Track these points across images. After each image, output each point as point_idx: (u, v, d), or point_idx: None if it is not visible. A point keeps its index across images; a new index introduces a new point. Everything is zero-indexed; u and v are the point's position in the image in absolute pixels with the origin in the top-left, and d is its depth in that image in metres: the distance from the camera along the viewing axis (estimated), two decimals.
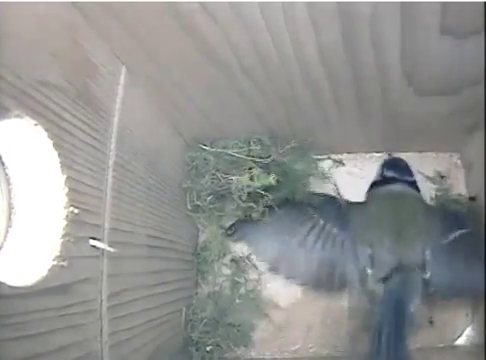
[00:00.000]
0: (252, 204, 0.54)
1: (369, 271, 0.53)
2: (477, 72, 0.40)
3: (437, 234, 0.54)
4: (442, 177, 0.62)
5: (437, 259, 0.53)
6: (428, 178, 0.62)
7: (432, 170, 0.62)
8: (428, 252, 0.53)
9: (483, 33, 0.35)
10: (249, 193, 0.53)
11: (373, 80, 0.43)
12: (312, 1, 0.32)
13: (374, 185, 0.60)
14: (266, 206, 0.54)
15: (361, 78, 0.43)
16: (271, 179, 0.52)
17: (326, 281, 0.56)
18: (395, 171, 0.58)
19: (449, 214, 0.57)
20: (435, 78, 0.43)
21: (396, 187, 0.57)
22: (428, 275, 0.52)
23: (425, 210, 0.56)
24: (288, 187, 0.56)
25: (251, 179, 0.52)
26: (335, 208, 0.58)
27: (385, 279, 0.52)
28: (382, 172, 0.59)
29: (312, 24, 0.35)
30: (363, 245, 0.54)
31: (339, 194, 0.61)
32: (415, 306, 0.51)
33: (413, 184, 0.58)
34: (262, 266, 0.61)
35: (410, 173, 0.58)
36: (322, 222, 0.57)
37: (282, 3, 0.32)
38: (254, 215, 0.54)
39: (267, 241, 0.58)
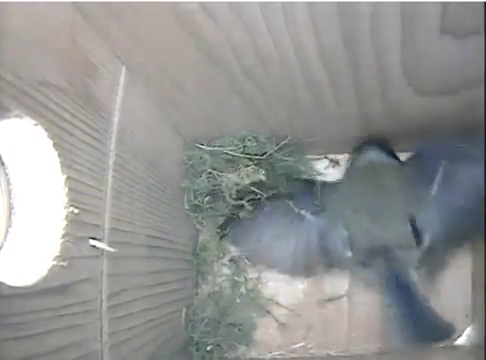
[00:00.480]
0: (243, 202, 0.54)
1: (348, 254, 0.51)
2: (477, 72, 0.40)
3: (420, 196, 0.51)
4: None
5: (429, 220, 0.50)
6: None
7: None
8: (419, 220, 0.50)
9: (483, 33, 0.35)
10: (240, 191, 0.53)
11: (373, 80, 0.43)
12: (312, 1, 0.32)
13: (349, 161, 0.58)
14: (255, 202, 0.54)
15: (361, 78, 0.43)
16: (260, 175, 0.51)
17: (304, 268, 0.55)
18: (370, 143, 0.55)
19: (423, 164, 0.53)
20: (435, 78, 0.43)
21: (369, 155, 0.54)
22: (427, 243, 0.49)
23: (402, 174, 0.53)
24: (280, 184, 0.56)
25: (240, 177, 0.52)
26: (308, 192, 0.55)
27: (366, 263, 0.50)
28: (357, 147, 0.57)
29: (312, 24, 0.35)
30: (337, 227, 0.52)
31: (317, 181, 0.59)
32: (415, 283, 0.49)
33: (389, 152, 0.54)
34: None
35: (386, 144, 0.55)
36: (296, 209, 0.55)
37: (282, 3, 0.32)
38: (241, 213, 0.54)
39: (245, 236, 0.58)
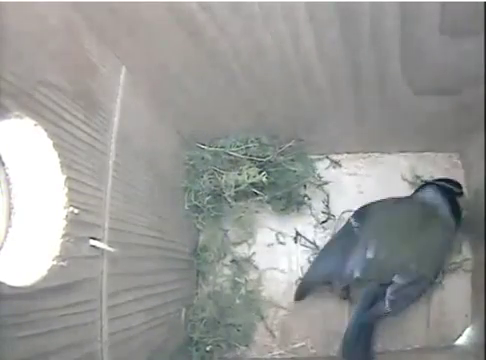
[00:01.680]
0: (244, 203, 0.54)
1: (357, 275, 0.52)
2: (477, 72, 0.40)
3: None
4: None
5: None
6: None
7: (432, 170, 0.62)
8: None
9: (483, 33, 0.35)
10: (242, 192, 0.53)
11: (372, 80, 0.43)
12: (312, 1, 0.32)
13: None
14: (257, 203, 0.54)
15: (360, 78, 0.43)
16: (261, 176, 0.51)
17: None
18: (440, 182, 0.57)
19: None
20: (435, 78, 0.43)
21: (427, 193, 0.56)
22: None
23: (445, 225, 0.54)
24: (284, 188, 0.56)
25: (241, 177, 0.52)
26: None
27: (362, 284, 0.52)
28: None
29: (312, 24, 0.35)
30: (366, 249, 0.53)
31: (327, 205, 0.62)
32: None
33: (450, 199, 0.56)
34: (262, 266, 0.62)
35: (454, 188, 0.56)
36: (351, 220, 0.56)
37: (282, 3, 0.32)
38: (243, 216, 0.54)
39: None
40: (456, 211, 0.55)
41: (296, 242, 0.63)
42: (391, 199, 0.57)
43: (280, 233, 0.63)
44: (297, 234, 0.62)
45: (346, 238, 0.55)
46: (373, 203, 0.57)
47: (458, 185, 0.57)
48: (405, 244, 0.53)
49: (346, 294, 0.58)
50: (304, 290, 0.57)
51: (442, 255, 0.55)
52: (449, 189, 0.56)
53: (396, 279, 0.51)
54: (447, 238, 0.55)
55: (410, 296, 0.52)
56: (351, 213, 0.57)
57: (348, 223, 0.56)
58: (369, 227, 0.54)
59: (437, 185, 0.57)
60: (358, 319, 0.51)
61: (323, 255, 0.57)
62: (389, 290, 0.51)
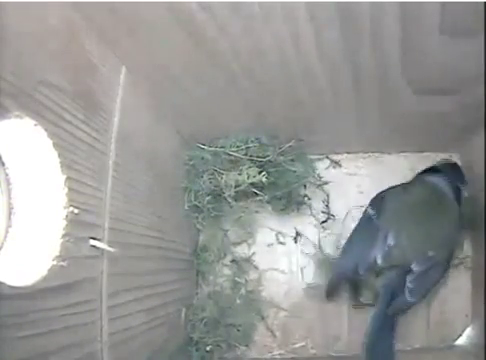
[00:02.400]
0: (244, 203, 0.54)
1: (379, 262, 0.52)
2: (477, 72, 0.40)
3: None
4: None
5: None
6: None
7: None
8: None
9: (483, 33, 0.35)
10: (242, 192, 0.53)
11: (372, 80, 0.43)
12: (312, 1, 0.32)
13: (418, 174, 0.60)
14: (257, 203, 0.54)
15: (360, 78, 0.43)
16: (261, 176, 0.51)
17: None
18: (442, 167, 0.58)
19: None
20: (435, 78, 0.43)
21: (432, 179, 0.57)
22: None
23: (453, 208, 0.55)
24: (284, 188, 0.56)
25: (241, 177, 0.52)
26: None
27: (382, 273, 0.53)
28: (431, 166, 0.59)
29: (312, 24, 0.35)
30: (387, 236, 0.54)
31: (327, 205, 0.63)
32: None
33: (454, 186, 0.56)
34: (262, 266, 0.62)
35: (458, 174, 0.58)
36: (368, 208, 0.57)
37: (282, 3, 0.32)
38: (243, 216, 0.54)
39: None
40: (458, 196, 0.56)
41: (296, 242, 0.63)
42: (401, 185, 0.58)
43: (280, 233, 0.63)
44: (297, 234, 0.63)
45: (366, 227, 0.56)
46: (386, 190, 0.57)
47: (460, 172, 0.58)
48: (421, 229, 0.54)
49: (357, 300, 0.58)
50: (335, 285, 0.57)
51: (454, 238, 0.55)
52: (454, 176, 0.57)
53: (414, 267, 0.52)
54: (456, 222, 0.55)
55: (429, 282, 0.53)
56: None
57: (366, 213, 0.57)
58: (386, 214, 0.55)
59: (442, 171, 0.57)
60: (381, 316, 0.51)
61: (347, 247, 0.57)
62: (408, 278, 0.51)
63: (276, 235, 0.63)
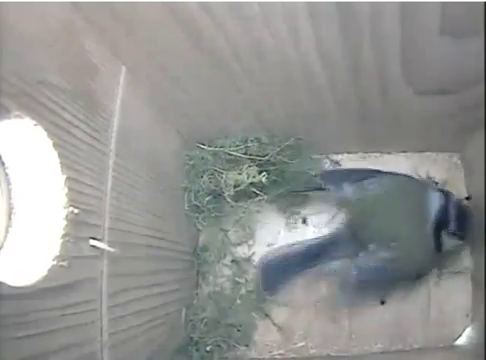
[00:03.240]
0: (244, 204, 0.54)
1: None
2: (477, 72, 0.40)
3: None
4: (435, 183, 0.60)
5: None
6: None
7: (432, 170, 0.62)
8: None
9: (483, 33, 0.35)
10: (242, 192, 0.53)
11: (372, 80, 0.43)
12: (312, 1, 0.32)
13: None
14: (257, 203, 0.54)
15: (360, 78, 0.43)
16: (261, 176, 0.51)
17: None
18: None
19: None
20: (435, 78, 0.43)
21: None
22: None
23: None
24: (284, 187, 0.56)
25: (241, 177, 0.52)
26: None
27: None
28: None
29: (312, 24, 0.35)
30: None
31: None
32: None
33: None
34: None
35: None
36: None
37: (282, 3, 0.32)
38: (244, 216, 0.54)
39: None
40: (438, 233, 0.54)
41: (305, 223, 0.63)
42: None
43: (280, 233, 0.63)
44: (304, 220, 0.63)
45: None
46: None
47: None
48: (391, 219, 0.54)
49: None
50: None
51: (425, 254, 0.53)
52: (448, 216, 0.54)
53: (371, 247, 0.53)
54: (432, 246, 0.53)
55: (376, 275, 0.53)
56: None
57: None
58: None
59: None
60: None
61: None
62: (361, 254, 0.53)
63: (276, 235, 0.63)
